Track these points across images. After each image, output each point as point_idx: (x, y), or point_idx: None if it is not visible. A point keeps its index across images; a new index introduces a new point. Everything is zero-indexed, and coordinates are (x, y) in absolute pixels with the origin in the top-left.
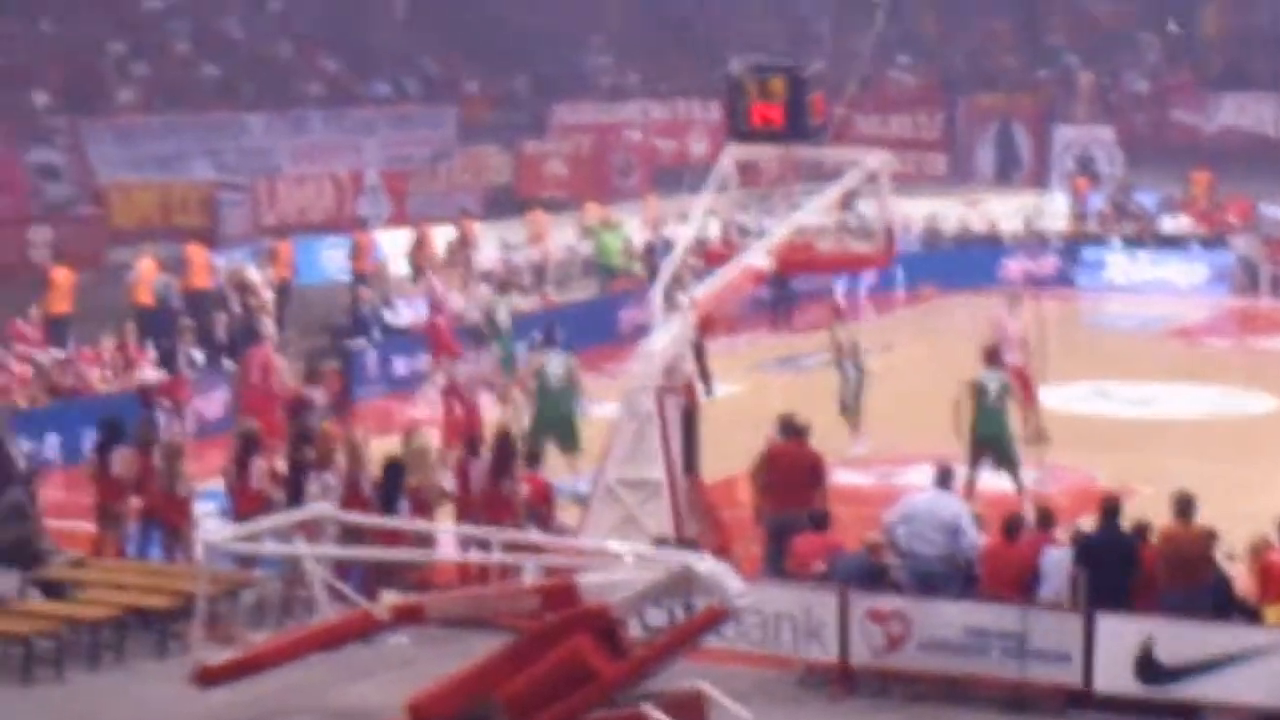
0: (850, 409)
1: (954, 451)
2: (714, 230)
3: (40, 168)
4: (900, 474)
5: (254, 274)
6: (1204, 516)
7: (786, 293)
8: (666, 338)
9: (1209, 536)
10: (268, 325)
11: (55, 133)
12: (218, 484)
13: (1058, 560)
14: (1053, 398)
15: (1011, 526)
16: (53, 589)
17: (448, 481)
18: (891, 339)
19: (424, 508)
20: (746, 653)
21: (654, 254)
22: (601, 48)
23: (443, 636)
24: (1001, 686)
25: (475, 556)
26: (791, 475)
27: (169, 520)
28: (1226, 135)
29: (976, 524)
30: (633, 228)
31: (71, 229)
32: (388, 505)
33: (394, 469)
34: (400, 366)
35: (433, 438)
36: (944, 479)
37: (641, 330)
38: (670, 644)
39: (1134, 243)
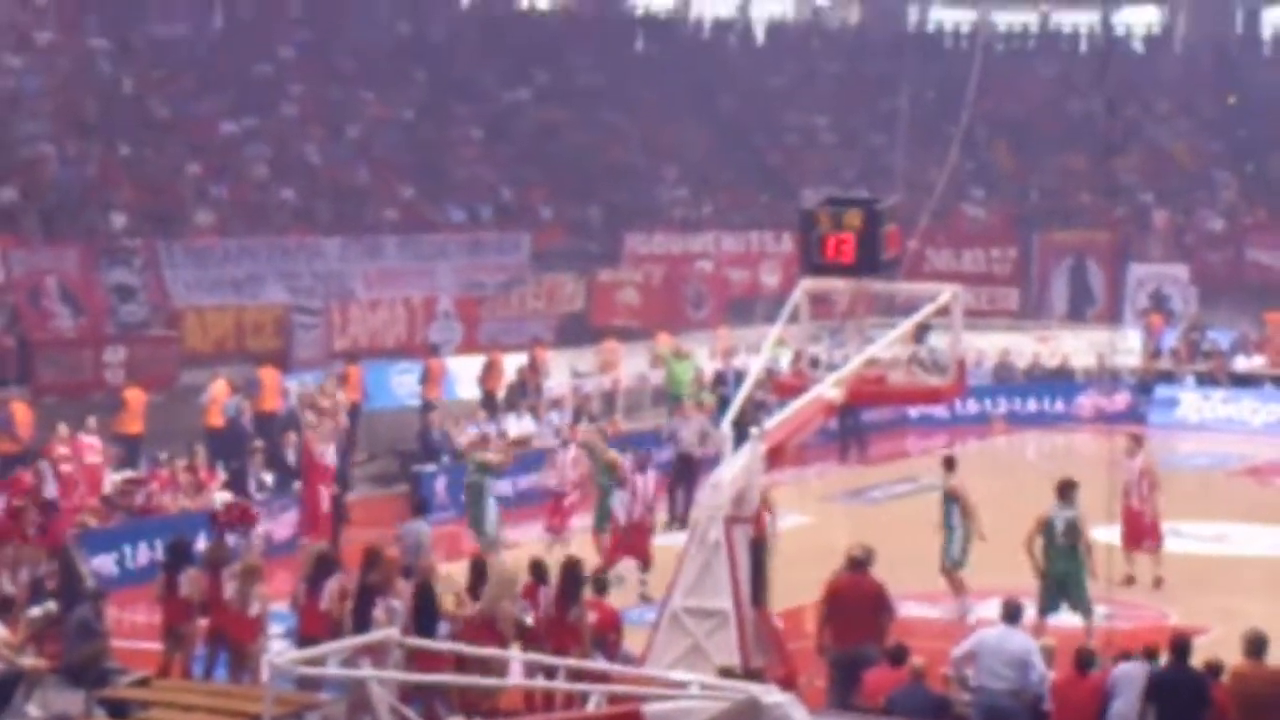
0: (957, 564)
1: (1023, 587)
2: (785, 362)
3: (116, 288)
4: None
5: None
6: (1275, 657)
7: (856, 425)
8: (736, 468)
9: None
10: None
11: (132, 254)
12: (284, 605)
13: (1128, 673)
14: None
15: (1084, 660)
16: (118, 709)
17: (527, 615)
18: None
19: (497, 636)
20: None
21: (724, 384)
22: (675, 179)
23: None
24: None
25: (541, 683)
26: (854, 607)
27: (237, 640)
28: None
29: (1047, 659)
30: (703, 358)
31: (145, 350)
32: (421, 626)
33: (425, 590)
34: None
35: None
36: (1012, 614)
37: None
38: None
39: (1207, 381)
